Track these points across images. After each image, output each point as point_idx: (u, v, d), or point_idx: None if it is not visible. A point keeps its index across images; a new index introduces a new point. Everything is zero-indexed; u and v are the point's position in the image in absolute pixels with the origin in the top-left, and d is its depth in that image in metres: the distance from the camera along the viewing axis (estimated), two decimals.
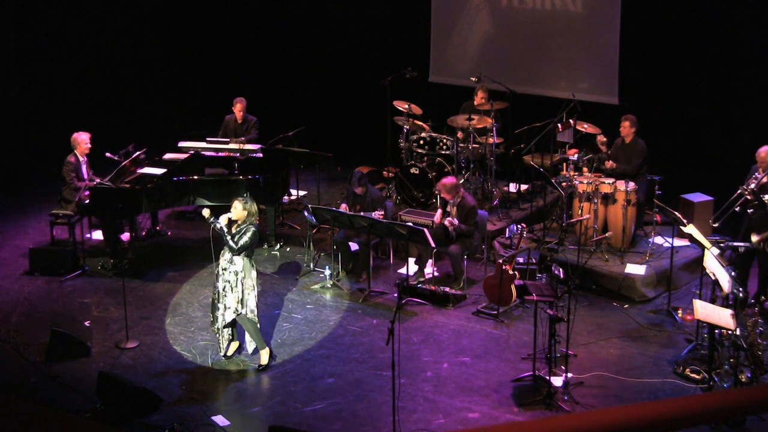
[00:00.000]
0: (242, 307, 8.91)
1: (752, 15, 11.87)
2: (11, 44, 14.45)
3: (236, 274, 8.87)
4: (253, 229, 8.84)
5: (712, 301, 8.86)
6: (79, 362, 9.21)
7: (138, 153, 11.68)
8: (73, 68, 15.08)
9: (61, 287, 10.86)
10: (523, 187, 12.73)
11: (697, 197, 11.38)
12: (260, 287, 9.14)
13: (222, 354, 9.21)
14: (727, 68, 12.13)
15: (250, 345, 9.24)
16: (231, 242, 8.77)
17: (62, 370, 9.07)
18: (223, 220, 8.81)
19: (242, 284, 8.88)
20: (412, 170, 12.20)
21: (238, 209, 8.86)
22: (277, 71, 16.05)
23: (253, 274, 8.98)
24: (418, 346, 9.51)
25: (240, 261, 8.86)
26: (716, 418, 5.67)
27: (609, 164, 11.19)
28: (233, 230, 8.85)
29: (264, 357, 9.11)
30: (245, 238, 8.78)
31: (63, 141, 11.98)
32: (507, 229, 11.50)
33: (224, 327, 9.08)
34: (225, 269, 8.91)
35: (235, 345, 9.31)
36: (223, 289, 8.92)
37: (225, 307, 8.95)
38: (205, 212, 8.91)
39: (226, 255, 8.90)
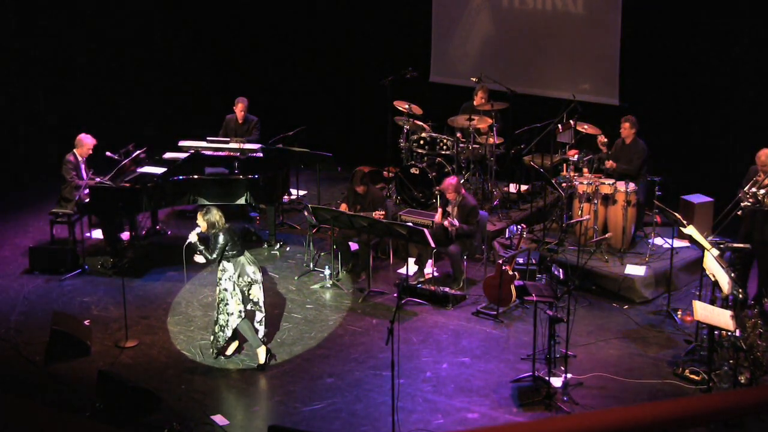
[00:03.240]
0: (246, 305, 8.96)
1: (752, 15, 11.87)
2: (12, 43, 14.45)
3: (230, 278, 8.94)
4: (221, 234, 8.88)
5: (712, 302, 8.86)
6: (78, 361, 9.21)
7: (138, 152, 11.68)
8: (73, 67, 15.08)
9: (60, 286, 10.86)
10: (523, 187, 12.73)
11: (697, 198, 11.38)
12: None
13: (213, 355, 9.22)
14: (728, 69, 12.13)
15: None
16: (206, 255, 8.91)
17: (62, 370, 9.08)
18: (192, 236, 8.94)
19: (238, 285, 8.93)
20: (413, 170, 12.20)
21: (200, 221, 8.96)
22: (277, 71, 16.05)
23: (249, 269, 9.00)
24: (417, 346, 9.51)
25: (228, 265, 8.93)
26: (715, 419, 5.68)
27: (609, 164, 11.19)
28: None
29: (261, 355, 9.12)
30: (217, 246, 8.86)
31: (63, 140, 11.98)
32: (507, 230, 11.50)
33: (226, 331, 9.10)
34: (220, 279, 8.98)
35: (234, 345, 9.31)
36: (222, 300, 8.96)
37: (228, 314, 8.95)
38: (192, 238, 8.98)
39: (217, 267, 9.01)
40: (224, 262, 8.93)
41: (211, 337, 9.20)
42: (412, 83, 13.12)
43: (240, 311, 8.94)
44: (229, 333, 9.03)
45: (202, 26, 16.15)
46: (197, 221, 9.00)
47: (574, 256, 10.47)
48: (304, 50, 15.82)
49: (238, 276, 8.93)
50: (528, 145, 11.97)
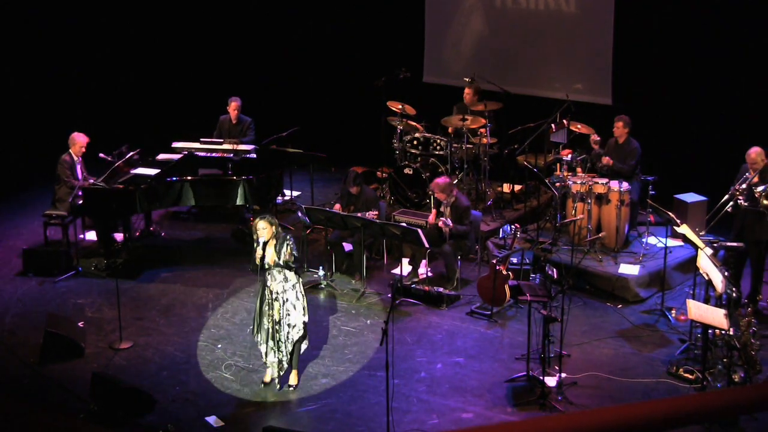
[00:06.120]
0: (303, 314, 8.54)
1: (746, 15, 11.90)
2: (8, 44, 14.43)
3: (293, 287, 8.46)
4: (286, 237, 8.35)
5: (706, 301, 8.88)
6: (72, 363, 9.19)
7: (132, 153, 11.67)
8: (67, 68, 15.06)
9: (54, 288, 10.83)
10: (517, 187, 12.74)
11: (691, 197, 11.39)
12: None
13: (278, 386, 8.69)
14: (720, 69, 12.16)
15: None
16: (294, 266, 8.36)
17: (56, 371, 9.06)
18: (260, 250, 8.23)
19: (300, 293, 8.51)
20: (406, 170, 12.20)
21: (266, 228, 8.21)
22: (271, 71, 16.03)
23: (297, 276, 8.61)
24: (411, 346, 9.51)
25: (291, 273, 8.43)
26: (709, 418, 5.68)
27: (606, 160, 11.16)
28: (270, 249, 8.30)
29: (293, 377, 8.79)
30: (294, 252, 8.31)
31: (57, 141, 11.95)
32: (501, 230, 11.51)
33: (289, 352, 8.56)
34: (279, 293, 8.40)
35: (294, 374, 8.77)
36: (287, 314, 8.43)
37: (290, 326, 8.45)
38: (261, 251, 8.25)
39: (277, 279, 8.38)
40: (286, 271, 8.38)
41: (273, 360, 8.57)
42: (405, 83, 13.11)
43: (304, 323, 8.51)
44: (290, 348, 8.52)
45: (195, 26, 16.12)
46: (258, 230, 8.21)
47: (568, 256, 10.49)
48: (298, 50, 15.81)
49: (296, 282, 8.46)
50: (521, 145, 11.98)
